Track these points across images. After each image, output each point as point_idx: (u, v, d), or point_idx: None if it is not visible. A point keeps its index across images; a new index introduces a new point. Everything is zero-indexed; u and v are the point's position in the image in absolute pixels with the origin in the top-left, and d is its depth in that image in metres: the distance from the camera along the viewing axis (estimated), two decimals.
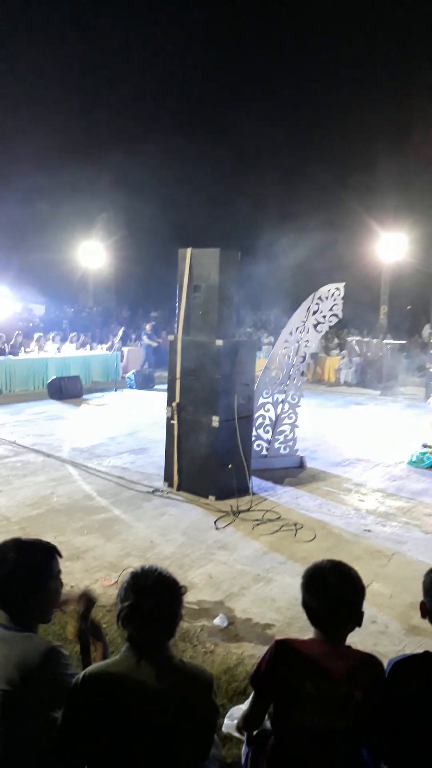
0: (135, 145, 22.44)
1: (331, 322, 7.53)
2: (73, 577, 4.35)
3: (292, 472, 7.36)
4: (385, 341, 16.77)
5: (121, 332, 16.71)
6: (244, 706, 2.66)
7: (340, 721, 1.85)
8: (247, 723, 2.07)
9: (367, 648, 3.52)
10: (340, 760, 1.87)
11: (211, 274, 6.18)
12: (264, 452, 7.45)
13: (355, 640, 3.59)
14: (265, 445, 7.46)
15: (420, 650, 3.41)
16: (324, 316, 7.47)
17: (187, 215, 21.52)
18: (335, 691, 1.85)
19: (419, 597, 2.11)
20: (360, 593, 1.97)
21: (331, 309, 7.46)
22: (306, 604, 1.99)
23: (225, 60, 24.67)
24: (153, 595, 1.81)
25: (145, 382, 14.77)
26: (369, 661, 1.98)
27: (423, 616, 2.05)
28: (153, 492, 6.34)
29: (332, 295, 7.43)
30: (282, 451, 7.58)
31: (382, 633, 3.76)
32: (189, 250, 6.33)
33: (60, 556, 2.06)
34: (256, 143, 24.17)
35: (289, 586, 4.20)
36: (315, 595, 1.96)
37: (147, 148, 22.29)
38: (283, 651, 1.93)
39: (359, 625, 1.97)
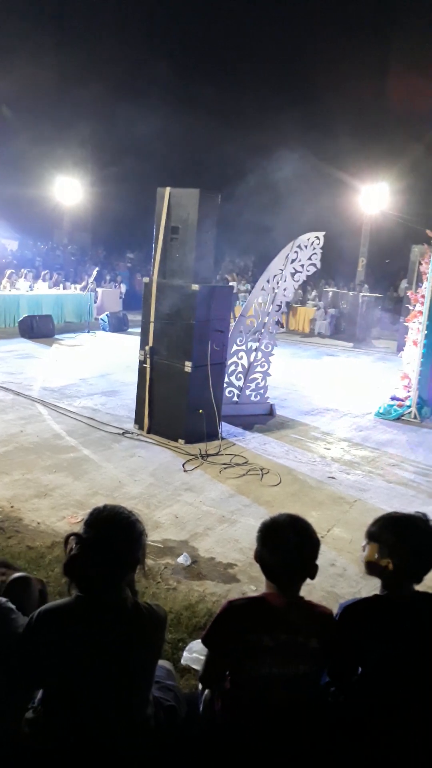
0: (115, 79, 21.39)
1: (309, 271, 7.48)
2: (40, 513, 4.39)
3: (262, 419, 7.45)
4: (361, 294, 16.78)
5: (95, 272, 16.34)
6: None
7: (296, 668, 1.92)
8: (206, 680, 2.08)
9: (325, 589, 3.68)
10: (296, 701, 1.95)
11: (190, 216, 6.02)
12: (235, 399, 7.50)
13: (314, 582, 3.73)
14: (236, 391, 7.50)
15: (375, 593, 3.58)
16: (302, 265, 7.41)
17: (168, 153, 20.80)
18: (293, 641, 1.91)
19: None
20: (315, 548, 2.00)
21: (309, 258, 7.39)
22: (262, 558, 2.00)
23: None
24: (104, 529, 1.80)
25: (118, 325, 14.61)
26: (321, 610, 2.04)
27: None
28: (123, 434, 6.36)
29: (312, 243, 7.35)
30: (253, 398, 7.64)
31: (340, 576, 3.91)
32: (168, 190, 6.13)
33: None
34: (238, 85, 23.22)
35: (253, 528, 4.26)
36: (271, 549, 1.97)
37: (128, 84, 21.30)
38: (236, 611, 1.95)
39: (312, 578, 2.01)
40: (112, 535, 1.80)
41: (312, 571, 2.00)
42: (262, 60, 23.14)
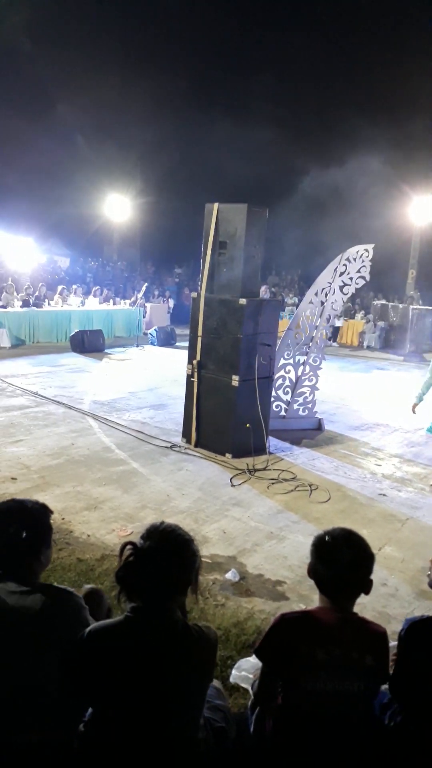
0: (166, 96, 21.85)
1: (358, 284, 7.39)
2: (90, 526, 4.45)
3: (310, 433, 7.36)
4: (411, 306, 16.46)
5: (144, 288, 16.63)
6: (252, 659, 2.73)
7: (351, 685, 1.88)
8: (261, 697, 2.05)
9: (377, 609, 3.59)
10: (351, 720, 1.90)
11: (238, 231, 6.06)
12: (282, 413, 7.44)
13: (365, 601, 3.64)
14: (284, 406, 7.45)
15: (429, 614, 3.44)
16: (351, 278, 7.33)
17: (215, 169, 21.06)
18: (347, 657, 1.87)
19: None
20: (370, 562, 1.97)
21: (358, 271, 7.31)
22: (316, 572, 1.98)
23: (257, 10, 23.59)
24: (160, 541, 1.81)
25: (166, 339, 14.79)
26: (375, 628, 2.00)
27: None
28: (171, 447, 6.40)
29: (360, 256, 7.27)
30: (301, 412, 7.57)
31: (392, 596, 3.80)
32: (216, 205, 6.19)
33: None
34: (287, 99, 23.37)
35: (302, 545, 4.25)
36: (325, 563, 1.95)
37: (174, 103, 21.73)
38: (288, 624, 1.93)
39: (367, 593, 1.98)
40: (167, 548, 1.82)
41: (367, 586, 1.97)
42: (315, 73, 23.21)
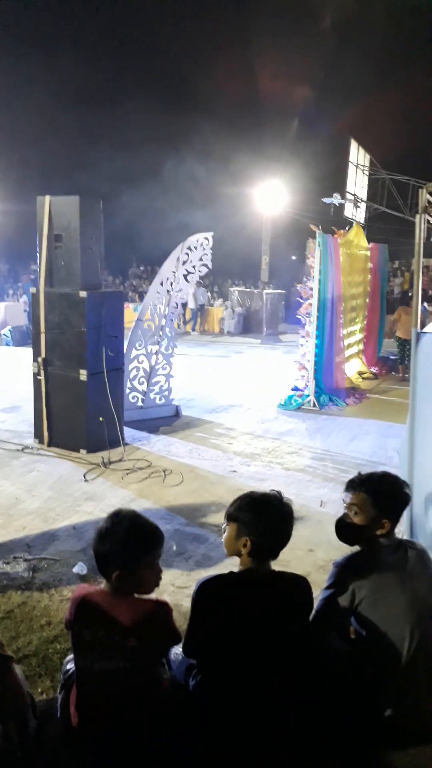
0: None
1: (201, 271, 7.59)
2: None
3: (168, 420, 7.48)
4: (265, 291, 17.18)
5: None
6: None
7: (117, 663, 1.94)
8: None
9: None
10: (136, 694, 1.97)
11: (72, 223, 5.98)
12: (140, 403, 7.49)
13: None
14: (140, 396, 7.50)
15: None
16: (194, 266, 7.50)
17: (55, 163, 20.49)
18: (109, 639, 1.94)
19: None
20: (154, 538, 2.09)
21: (200, 259, 7.50)
22: (95, 552, 2.05)
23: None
24: None
25: (23, 339, 14.23)
26: (151, 610, 2.03)
27: None
28: (22, 449, 6.20)
29: (201, 244, 7.46)
30: (158, 401, 7.66)
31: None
32: (47, 198, 6.06)
33: None
34: (122, 89, 23.30)
35: None
36: (102, 541, 2.01)
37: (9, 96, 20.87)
38: (72, 605, 2.02)
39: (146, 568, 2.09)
40: None
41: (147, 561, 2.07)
42: (146, 67, 23.27)
